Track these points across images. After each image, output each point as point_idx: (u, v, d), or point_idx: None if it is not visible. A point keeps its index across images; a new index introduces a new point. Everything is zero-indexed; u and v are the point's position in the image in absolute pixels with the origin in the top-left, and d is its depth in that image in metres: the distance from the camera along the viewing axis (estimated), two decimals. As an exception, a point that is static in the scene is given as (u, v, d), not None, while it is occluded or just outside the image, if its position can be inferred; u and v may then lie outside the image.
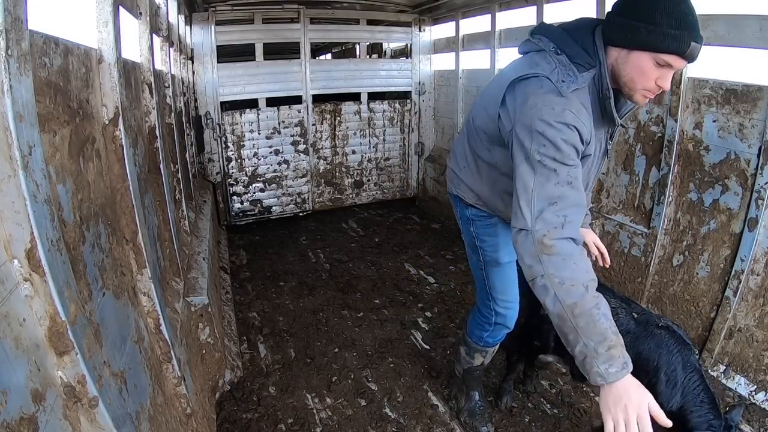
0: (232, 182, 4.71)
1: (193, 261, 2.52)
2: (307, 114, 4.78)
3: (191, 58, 4.17)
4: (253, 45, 4.42)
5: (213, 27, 4.20)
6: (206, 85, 4.31)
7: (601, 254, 1.78)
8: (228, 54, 4.52)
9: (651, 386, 1.42)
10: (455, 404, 2.18)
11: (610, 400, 1.04)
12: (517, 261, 1.38)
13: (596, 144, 1.31)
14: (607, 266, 1.81)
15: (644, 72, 1.14)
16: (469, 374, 2.06)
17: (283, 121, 4.73)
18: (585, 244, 1.82)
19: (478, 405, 2.09)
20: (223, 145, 4.57)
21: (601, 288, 1.65)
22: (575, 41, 1.23)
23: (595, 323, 1.08)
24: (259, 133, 4.68)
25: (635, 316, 1.54)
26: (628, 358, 1.08)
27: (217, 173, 4.59)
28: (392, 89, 5.20)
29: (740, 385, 2.24)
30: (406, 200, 5.53)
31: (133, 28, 1.87)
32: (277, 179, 4.87)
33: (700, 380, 1.40)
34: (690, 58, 1.10)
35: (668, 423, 1.04)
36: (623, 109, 1.33)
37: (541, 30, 1.33)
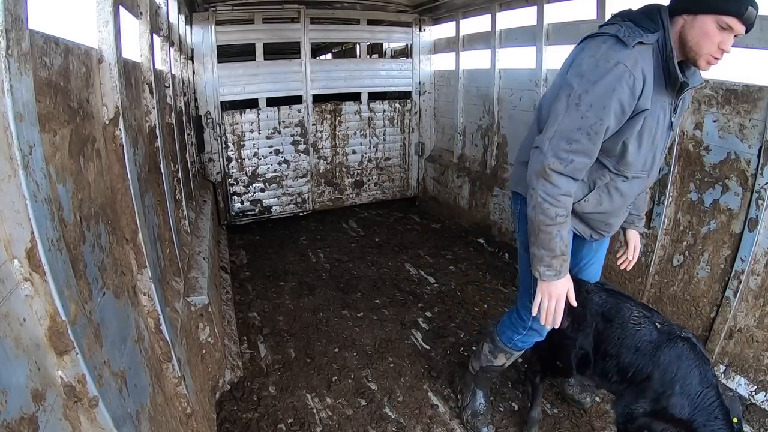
0: (232, 182, 4.71)
1: (193, 261, 2.52)
2: (308, 114, 4.78)
3: (191, 58, 4.17)
4: (254, 45, 4.42)
5: (213, 27, 4.20)
6: (206, 85, 4.31)
7: (630, 258, 1.87)
8: (228, 54, 4.52)
9: (666, 397, 1.44)
10: (459, 399, 2.17)
11: (542, 288, 1.47)
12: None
13: (659, 110, 1.38)
14: (628, 269, 1.92)
15: (708, 35, 1.25)
16: (484, 373, 2.03)
17: (283, 121, 4.73)
18: (626, 244, 1.87)
19: (482, 405, 2.09)
20: (224, 145, 4.57)
21: (622, 297, 1.65)
22: (640, 13, 1.37)
23: (551, 241, 1.40)
24: (259, 133, 4.68)
25: (658, 326, 1.54)
26: (564, 269, 1.44)
27: (217, 173, 4.59)
28: (392, 89, 5.20)
29: (740, 385, 2.24)
30: (407, 200, 5.53)
31: (133, 27, 1.87)
32: (278, 179, 4.87)
33: (716, 396, 1.42)
34: (747, 22, 1.22)
35: (574, 303, 1.49)
36: (689, 82, 1.39)
37: (611, 17, 1.46)
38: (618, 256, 1.91)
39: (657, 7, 1.36)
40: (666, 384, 1.46)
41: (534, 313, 1.51)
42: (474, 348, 2.18)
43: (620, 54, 1.26)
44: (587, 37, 1.40)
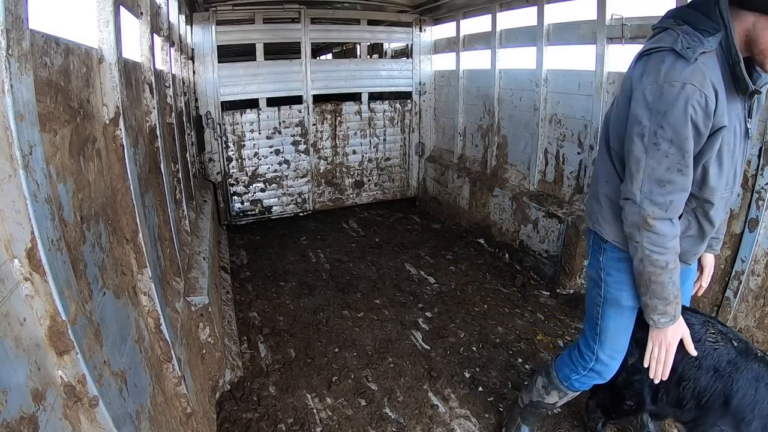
0: (232, 182, 4.71)
1: (193, 261, 2.52)
2: (308, 114, 4.78)
3: (192, 58, 4.17)
4: (254, 45, 4.42)
5: (214, 27, 4.20)
6: (207, 85, 4.32)
7: (704, 285, 1.72)
8: (229, 54, 4.53)
9: (745, 423, 1.41)
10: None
11: (654, 335, 1.42)
12: (638, 311, 1.49)
13: (734, 120, 1.25)
14: (698, 295, 1.75)
15: None
16: (534, 408, 1.90)
17: (283, 121, 4.73)
18: (700, 268, 1.69)
19: None
20: (224, 145, 4.58)
21: (688, 312, 1.54)
22: (696, 10, 1.21)
23: (663, 290, 1.33)
24: (259, 133, 4.68)
25: (735, 344, 1.48)
26: (678, 313, 1.38)
27: (217, 173, 4.59)
28: (393, 89, 5.20)
29: (740, 385, 2.23)
30: (407, 200, 5.53)
31: (133, 27, 1.87)
32: (278, 179, 4.88)
33: None
34: None
35: (694, 352, 1.43)
36: (759, 81, 1.26)
37: (664, 15, 1.31)
38: (697, 288, 1.73)
39: (714, 0, 1.18)
40: (746, 409, 1.41)
41: (646, 364, 1.44)
42: (527, 381, 2.05)
43: (684, 72, 1.13)
44: (643, 53, 1.25)
